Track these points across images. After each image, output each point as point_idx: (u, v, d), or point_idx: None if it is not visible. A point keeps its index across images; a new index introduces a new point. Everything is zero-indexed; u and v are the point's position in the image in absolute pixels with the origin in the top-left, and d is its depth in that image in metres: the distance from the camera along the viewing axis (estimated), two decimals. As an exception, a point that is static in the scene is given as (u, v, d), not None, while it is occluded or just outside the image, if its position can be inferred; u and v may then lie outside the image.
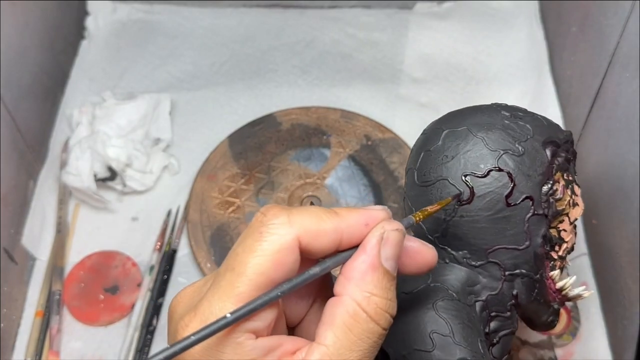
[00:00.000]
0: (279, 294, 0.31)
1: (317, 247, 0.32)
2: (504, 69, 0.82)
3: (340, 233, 0.33)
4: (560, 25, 0.77)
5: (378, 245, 0.33)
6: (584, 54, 0.69)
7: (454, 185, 0.41)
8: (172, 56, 0.84)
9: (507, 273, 0.42)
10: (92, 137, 0.71)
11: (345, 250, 0.33)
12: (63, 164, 0.72)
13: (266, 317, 0.31)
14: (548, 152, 0.43)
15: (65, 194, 0.72)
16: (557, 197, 0.43)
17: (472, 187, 0.41)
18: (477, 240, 0.41)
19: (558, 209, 0.43)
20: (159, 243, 0.69)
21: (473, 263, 0.42)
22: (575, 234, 0.47)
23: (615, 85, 0.61)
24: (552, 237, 0.44)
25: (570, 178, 0.45)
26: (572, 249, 0.47)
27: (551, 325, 0.46)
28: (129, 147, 0.72)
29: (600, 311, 0.63)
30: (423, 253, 0.35)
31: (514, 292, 0.42)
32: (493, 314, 0.42)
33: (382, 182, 0.72)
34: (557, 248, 0.45)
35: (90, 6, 0.87)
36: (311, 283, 0.33)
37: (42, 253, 0.69)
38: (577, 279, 0.65)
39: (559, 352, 0.62)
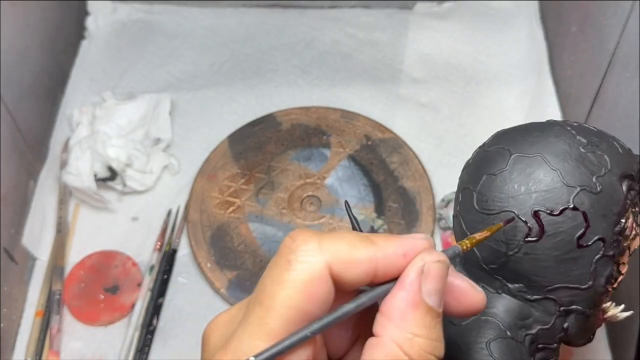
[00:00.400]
0: (309, 334, 0.29)
1: (350, 277, 0.30)
2: (504, 69, 0.82)
3: (376, 263, 0.30)
4: (560, 25, 0.77)
5: (418, 280, 0.30)
6: (584, 54, 0.69)
7: (522, 220, 0.38)
8: (172, 56, 0.84)
9: (562, 309, 0.40)
10: (93, 137, 0.71)
11: (383, 284, 0.30)
12: (63, 164, 0.72)
13: (299, 356, 0.29)
14: (624, 188, 0.39)
15: (65, 193, 0.72)
16: (626, 234, 0.40)
17: (544, 225, 0.37)
18: (539, 278, 0.39)
19: (624, 244, 0.41)
20: (159, 243, 0.69)
21: (528, 297, 0.39)
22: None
23: (615, 85, 0.61)
24: (613, 273, 0.41)
25: (637, 209, 0.42)
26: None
27: (587, 342, 0.45)
28: (129, 147, 0.72)
29: (600, 311, 0.63)
30: (470, 295, 0.32)
31: (565, 326, 0.40)
32: (540, 345, 0.40)
33: (382, 182, 0.72)
34: (613, 281, 0.42)
35: (91, 6, 0.87)
36: (353, 316, 0.30)
37: (43, 253, 0.69)
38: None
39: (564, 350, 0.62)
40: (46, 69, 0.76)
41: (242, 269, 0.67)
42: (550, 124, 0.41)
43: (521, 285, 0.39)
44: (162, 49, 0.85)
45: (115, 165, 0.71)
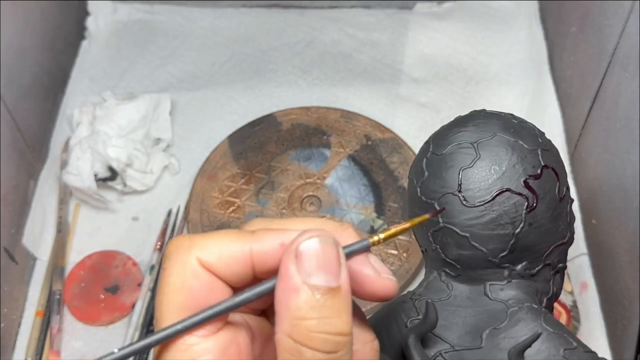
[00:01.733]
0: (172, 331, 0.29)
1: (227, 270, 0.29)
2: (504, 69, 0.82)
3: (251, 255, 0.29)
4: (560, 25, 0.78)
5: (292, 264, 0.28)
6: (584, 54, 0.69)
7: (518, 194, 0.39)
8: (173, 56, 0.84)
9: (552, 272, 0.41)
10: (93, 137, 0.71)
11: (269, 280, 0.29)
12: (63, 164, 0.72)
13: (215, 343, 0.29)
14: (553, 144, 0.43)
15: (65, 193, 0.72)
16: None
17: (535, 190, 0.39)
18: (540, 246, 0.40)
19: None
20: (159, 243, 0.69)
21: (532, 272, 0.40)
22: None
23: (615, 85, 0.61)
24: None
25: None
26: None
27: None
28: (129, 147, 0.72)
29: (600, 311, 0.63)
30: (378, 283, 0.30)
31: (555, 290, 0.42)
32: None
33: (382, 182, 0.72)
34: None
35: (91, 6, 0.87)
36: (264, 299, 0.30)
37: (43, 253, 0.69)
38: (577, 278, 0.66)
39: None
40: (46, 69, 0.76)
41: (242, 268, 0.67)
42: (467, 115, 0.43)
43: (525, 262, 0.40)
44: (162, 49, 0.85)
45: (115, 165, 0.71)
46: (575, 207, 0.69)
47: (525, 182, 0.39)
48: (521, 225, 0.39)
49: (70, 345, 0.64)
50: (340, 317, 0.28)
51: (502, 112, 0.43)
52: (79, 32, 0.85)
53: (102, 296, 0.66)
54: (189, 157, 0.76)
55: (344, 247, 0.30)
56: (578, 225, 0.68)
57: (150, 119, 0.75)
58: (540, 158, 0.40)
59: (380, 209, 0.71)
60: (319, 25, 0.87)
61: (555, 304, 0.63)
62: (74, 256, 0.69)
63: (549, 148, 0.41)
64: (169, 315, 0.29)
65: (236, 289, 0.30)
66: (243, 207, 0.71)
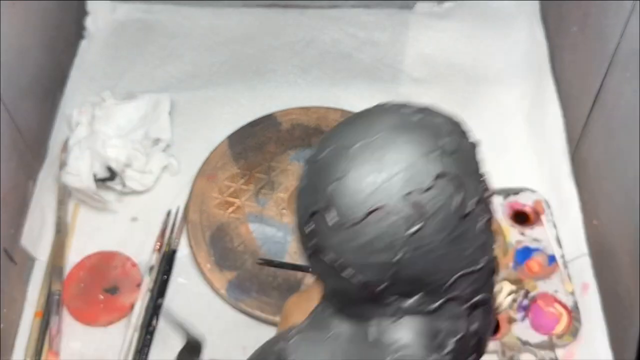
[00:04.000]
0: None
1: None
2: (504, 69, 0.82)
3: None
4: (561, 25, 0.77)
5: None
6: (585, 54, 0.69)
7: (397, 212, 0.31)
8: (172, 56, 0.84)
9: (466, 306, 0.33)
10: (92, 137, 0.71)
11: None
12: (62, 164, 0.72)
13: None
14: (473, 143, 0.35)
15: (64, 194, 0.72)
16: (490, 193, 0.35)
17: (422, 205, 0.31)
18: (436, 276, 0.32)
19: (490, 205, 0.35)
20: (158, 243, 0.69)
21: (430, 308, 0.33)
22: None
23: (615, 85, 0.61)
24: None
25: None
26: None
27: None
28: (128, 147, 0.72)
29: (601, 312, 0.63)
30: None
31: (475, 328, 0.34)
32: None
33: (382, 182, 0.72)
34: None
35: (90, 6, 0.87)
36: None
37: (42, 253, 0.69)
38: (578, 279, 0.65)
39: (560, 352, 0.62)
40: (46, 69, 0.76)
41: (241, 269, 0.67)
42: (365, 110, 0.36)
43: (419, 295, 0.32)
44: (162, 49, 0.85)
45: (114, 166, 0.71)
46: (576, 207, 0.68)
47: (408, 196, 0.31)
48: (403, 250, 0.31)
49: (69, 346, 0.64)
50: None
51: (407, 104, 0.35)
52: (78, 32, 0.85)
53: (101, 297, 0.66)
54: (188, 157, 0.75)
55: None
56: (579, 226, 0.67)
57: (149, 119, 0.75)
58: (435, 164, 0.31)
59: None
60: (319, 25, 0.86)
61: (557, 305, 0.63)
62: (73, 257, 0.69)
63: (456, 149, 0.32)
64: None
65: None
66: (243, 207, 0.71)
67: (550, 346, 0.62)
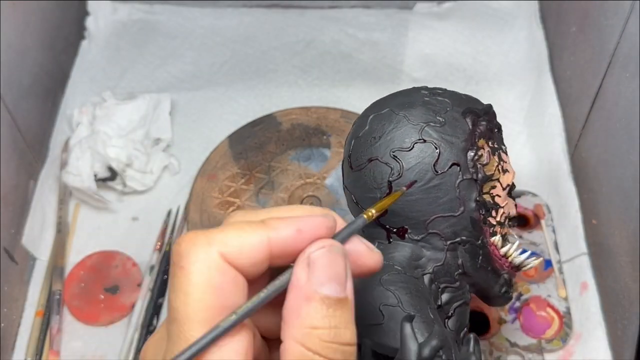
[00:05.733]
0: (218, 333, 0.28)
1: (246, 262, 0.29)
2: (504, 69, 0.82)
3: (269, 244, 0.29)
4: (560, 25, 0.78)
5: (304, 273, 0.29)
6: (584, 54, 0.69)
7: (384, 163, 0.43)
8: (172, 56, 0.84)
9: (448, 242, 0.43)
10: (93, 137, 0.71)
11: (284, 271, 0.30)
12: (63, 164, 0.72)
13: (234, 346, 0.28)
14: (468, 121, 0.44)
15: (65, 193, 0.72)
16: (484, 162, 0.45)
17: (401, 161, 0.42)
18: (414, 213, 0.43)
19: (487, 173, 0.45)
20: (159, 243, 0.69)
21: (415, 237, 0.43)
22: (515, 204, 0.49)
23: (615, 85, 0.61)
24: (487, 203, 0.45)
25: (496, 145, 0.47)
26: (512, 217, 0.48)
27: (505, 297, 0.47)
28: (129, 147, 0.72)
29: (600, 311, 0.63)
30: (365, 257, 0.31)
31: (459, 262, 0.43)
32: (442, 285, 0.43)
33: (382, 182, 0.72)
34: (494, 214, 0.45)
35: (91, 6, 0.87)
36: (279, 300, 0.30)
37: (43, 253, 0.69)
38: (577, 278, 0.66)
39: (553, 356, 0.62)
40: (46, 69, 0.76)
41: (242, 269, 0.67)
42: (404, 89, 0.47)
43: (405, 227, 0.43)
44: (162, 49, 0.85)
45: (115, 165, 0.71)
46: (576, 207, 0.69)
47: (392, 152, 0.43)
48: (386, 192, 0.43)
49: (70, 346, 0.64)
50: (348, 328, 0.29)
51: (428, 88, 0.46)
52: (78, 32, 0.85)
53: (102, 296, 0.66)
54: (189, 157, 0.76)
55: (345, 228, 0.31)
56: (578, 225, 0.68)
57: (150, 119, 0.75)
58: (419, 132, 0.43)
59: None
60: (319, 25, 0.87)
61: (549, 310, 0.64)
62: (74, 256, 0.69)
63: (444, 124, 0.43)
64: (198, 316, 0.28)
65: (251, 281, 0.30)
66: (243, 207, 0.71)
67: (539, 350, 0.62)
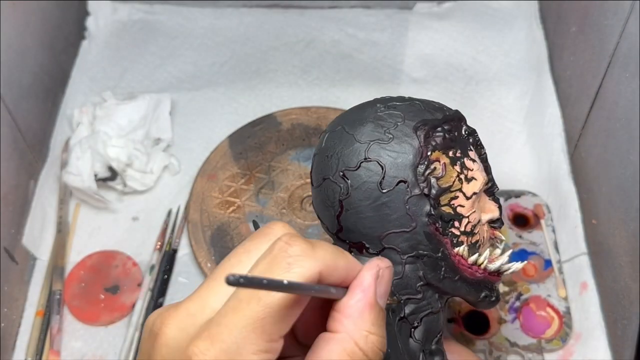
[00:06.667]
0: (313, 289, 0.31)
1: (331, 280, 0.32)
2: (503, 69, 0.82)
3: (348, 270, 0.33)
4: (560, 25, 0.78)
5: (374, 283, 0.33)
6: (584, 54, 0.69)
7: (335, 182, 0.44)
8: (172, 56, 0.84)
9: (406, 256, 0.43)
10: (93, 137, 0.71)
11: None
12: (64, 164, 0.72)
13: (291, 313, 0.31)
14: (420, 134, 0.44)
15: (65, 193, 0.72)
16: (439, 175, 0.44)
17: (349, 180, 0.43)
18: (367, 230, 0.43)
19: (443, 186, 0.44)
20: (159, 243, 0.69)
21: (373, 252, 0.44)
22: (499, 206, 0.48)
23: (614, 85, 0.61)
24: (444, 215, 0.44)
25: (459, 154, 0.46)
26: (495, 219, 0.48)
27: (487, 301, 0.46)
28: (129, 147, 0.72)
29: (600, 311, 0.63)
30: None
31: (420, 274, 0.44)
32: (404, 297, 0.43)
33: (382, 182, 0.72)
34: (457, 224, 0.45)
35: (91, 6, 0.87)
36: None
37: (43, 253, 0.69)
38: (577, 278, 0.66)
39: (553, 355, 0.62)
40: (46, 69, 0.76)
41: (242, 268, 0.67)
42: (365, 102, 0.48)
43: (361, 242, 0.44)
44: (162, 49, 0.85)
45: (115, 165, 0.71)
46: (576, 207, 0.69)
47: (341, 172, 0.44)
48: (338, 210, 0.44)
49: (70, 345, 0.64)
50: (385, 337, 0.33)
51: (384, 100, 0.47)
52: (79, 32, 0.85)
53: (102, 296, 0.66)
54: (189, 157, 0.76)
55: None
56: (578, 225, 0.68)
57: (150, 119, 0.75)
58: (365, 151, 0.43)
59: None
60: (319, 25, 0.87)
61: (548, 309, 0.64)
62: (74, 256, 0.69)
63: (391, 140, 0.44)
64: (278, 310, 0.30)
65: None
66: (243, 207, 0.71)
67: (539, 350, 0.62)
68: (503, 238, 0.49)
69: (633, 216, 0.56)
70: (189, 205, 0.71)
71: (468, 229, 0.45)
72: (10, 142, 0.66)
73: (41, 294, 0.67)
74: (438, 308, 0.45)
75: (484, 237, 0.47)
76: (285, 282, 0.29)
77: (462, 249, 0.45)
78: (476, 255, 0.46)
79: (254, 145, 0.75)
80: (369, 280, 0.33)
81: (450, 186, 0.45)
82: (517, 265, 0.48)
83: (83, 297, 0.66)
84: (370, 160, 0.43)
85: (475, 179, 0.46)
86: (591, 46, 0.67)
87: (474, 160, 0.47)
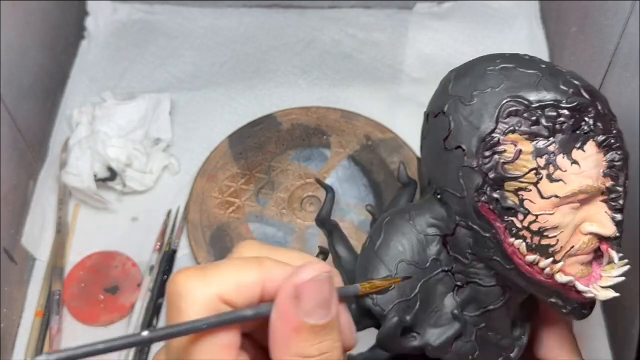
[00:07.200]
0: (204, 325, 0.29)
1: (241, 300, 0.30)
2: (504, 69, 0.82)
3: (262, 285, 0.30)
4: (560, 25, 0.77)
5: (292, 305, 0.29)
6: (584, 54, 0.69)
7: (425, 119, 0.45)
8: (172, 56, 0.84)
9: (457, 218, 0.42)
10: (92, 137, 0.71)
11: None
12: (63, 164, 0.72)
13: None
14: (503, 111, 0.40)
15: (65, 194, 0.72)
16: (507, 159, 0.40)
17: (428, 125, 0.44)
18: (435, 176, 0.43)
19: (507, 173, 0.40)
20: (158, 243, 0.69)
21: (436, 192, 0.43)
22: (617, 225, 0.44)
23: (615, 85, 0.61)
24: (502, 200, 0.40)
25: (551, 148, 0.40)
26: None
27: (556, 308, 0.43)
28: (129, 147, 0.72)
29: (601, 311, 0.63)
30: (345, 335, 0.32)
31: (469, 242, 0.42)
32: (451, 253, 0.42)
33: (382, 182, 0.72)
34: (520, 217, 0.40)
35: (90, 6, 0.87)
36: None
37: (42, 253, 0.69)
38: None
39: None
40: (46, 69, 0.76)
41: (242, 269, 0.67)
42: (490, 55, 0.45)
43: (430, 185, 0.44)
44: (162, 49, 0.85)
45: (115, 165, 0.71)
46: (576, 207, 0.68)
47: (427, 114, 0.44)
48: (421, 145, 0.45)
49: (69, 346, 0.64)
50: (337, 349, 0.30)
51: (501, 59, 0.43)
52: (78, 32, 0.85)
53: (102, 296, 0.66)
54: (188, 157, 0.76)
55: (338, 289, 0.31)
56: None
57: (149, 119, 0.75)
58: (446, 105, 0.43)
59: (380, 209, 0.70)
60: (319, 25, 0.87)
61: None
62: (74, 256, 0.69)
63: (473, 104, 0.41)
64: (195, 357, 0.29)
65: None
66: (243, 207, 0.71)
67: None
68: (616, 260, 0.44)
69: (633, 216, 0.56)
70: (189, 206, 0.71)
71: (534, 227, 0.41)
72: (9, 142, 0.66)
73: (40, 294, 0.67)
74: (491, 284, 0.43)
75: (572, 246, 0.42)
76: (139, 334, 0.28)
77: (519, 242, 0.41)
78: (535, 255, 0.41)
79: (254, 145, 0.75)
80: (283, 306, 0.29)
81: (520, 176, 0.40)
82: (602, 294, 0.43)
83: (82, 298, 0.66)
84: (444, 115, 0.42)
85: (564, 182, 0.40)
86: (591, 46, 0.67)
87: (575, 162, 0.41)
